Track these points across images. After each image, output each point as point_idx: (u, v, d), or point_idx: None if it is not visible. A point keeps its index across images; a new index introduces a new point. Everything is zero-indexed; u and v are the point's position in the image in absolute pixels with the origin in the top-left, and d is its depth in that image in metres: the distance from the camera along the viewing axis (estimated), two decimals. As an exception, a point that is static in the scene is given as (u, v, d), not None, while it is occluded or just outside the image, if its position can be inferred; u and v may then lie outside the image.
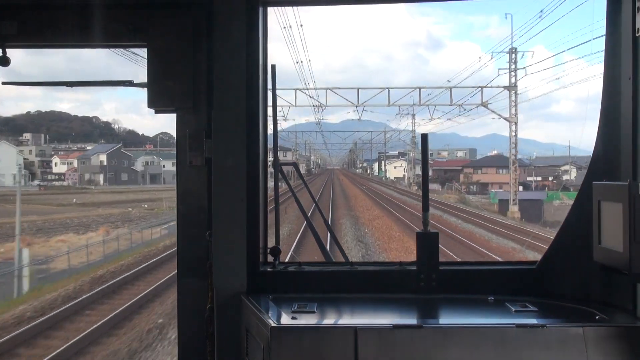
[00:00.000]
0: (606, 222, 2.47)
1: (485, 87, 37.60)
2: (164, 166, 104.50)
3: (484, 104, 37.86)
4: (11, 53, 2.81)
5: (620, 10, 2.61)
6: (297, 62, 35.00)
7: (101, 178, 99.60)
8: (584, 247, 2.65)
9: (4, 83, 3.02)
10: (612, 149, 2.68)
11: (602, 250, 2.48)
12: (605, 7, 2.68)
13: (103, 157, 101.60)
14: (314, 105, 40.84)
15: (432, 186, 72.59)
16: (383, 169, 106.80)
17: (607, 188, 2.50)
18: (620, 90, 2.63)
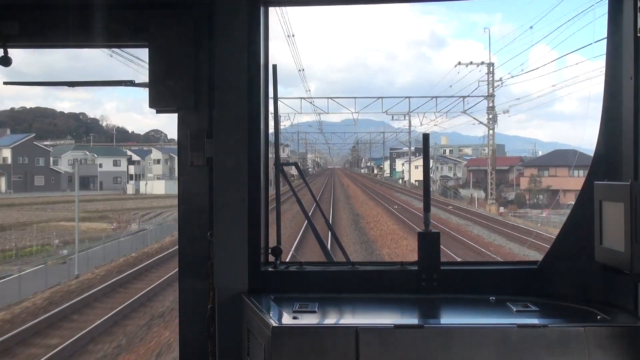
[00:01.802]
0: (608, 222, 3.02)
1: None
2: (100, 166, 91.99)
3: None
4: (12, 52, 3.46)
5: (622, 10, 3.19)
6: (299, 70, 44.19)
7: (3, 182, 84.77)
8: (585, 247, 3.22)
9: (5, 83, 3.69)
10: (613, 149, 3.25)
11: (604, 250, 3.04)
12: (607, 7, 3.28)
13: (7, 153, 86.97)
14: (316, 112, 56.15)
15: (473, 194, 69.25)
16: (397, 169, 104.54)
17: (608, 188, 3.05)
18: (621, 90, 3.20)
